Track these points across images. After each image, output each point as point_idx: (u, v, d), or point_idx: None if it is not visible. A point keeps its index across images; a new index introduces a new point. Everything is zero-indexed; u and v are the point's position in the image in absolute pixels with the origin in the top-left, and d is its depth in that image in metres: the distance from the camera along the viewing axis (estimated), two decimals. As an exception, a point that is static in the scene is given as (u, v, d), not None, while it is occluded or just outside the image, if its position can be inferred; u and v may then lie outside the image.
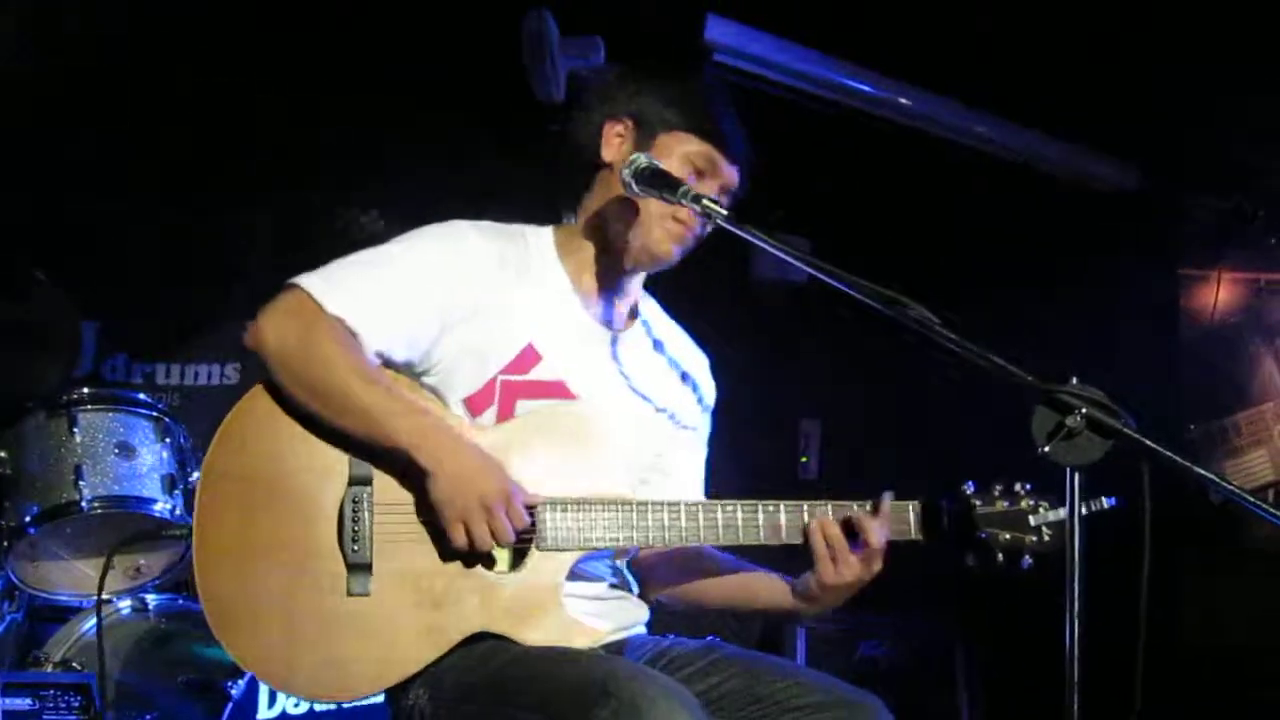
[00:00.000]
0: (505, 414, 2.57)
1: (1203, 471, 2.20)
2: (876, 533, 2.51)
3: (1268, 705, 4.74)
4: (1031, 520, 2.55)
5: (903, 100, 5.23)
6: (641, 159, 2.57)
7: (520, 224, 2.76)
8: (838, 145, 5.48)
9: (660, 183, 2.54)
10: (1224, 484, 2.24)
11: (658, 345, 2.85)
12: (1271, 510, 2.21)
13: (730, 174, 2.67)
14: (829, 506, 2.56)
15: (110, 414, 4.05)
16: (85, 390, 4.07)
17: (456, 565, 2.47)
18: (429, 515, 2.46)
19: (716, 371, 2.96)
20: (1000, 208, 5.49)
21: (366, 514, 2.45)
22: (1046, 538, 2.54)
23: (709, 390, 2.93)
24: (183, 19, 4.89)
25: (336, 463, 2.47)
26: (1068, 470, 2.14)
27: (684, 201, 2.49)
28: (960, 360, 2.21)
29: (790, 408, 5.82)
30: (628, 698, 2.17)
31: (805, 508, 2.56)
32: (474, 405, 2.58)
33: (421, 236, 2.62)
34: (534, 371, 2.60)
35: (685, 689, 2.28)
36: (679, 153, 2.63)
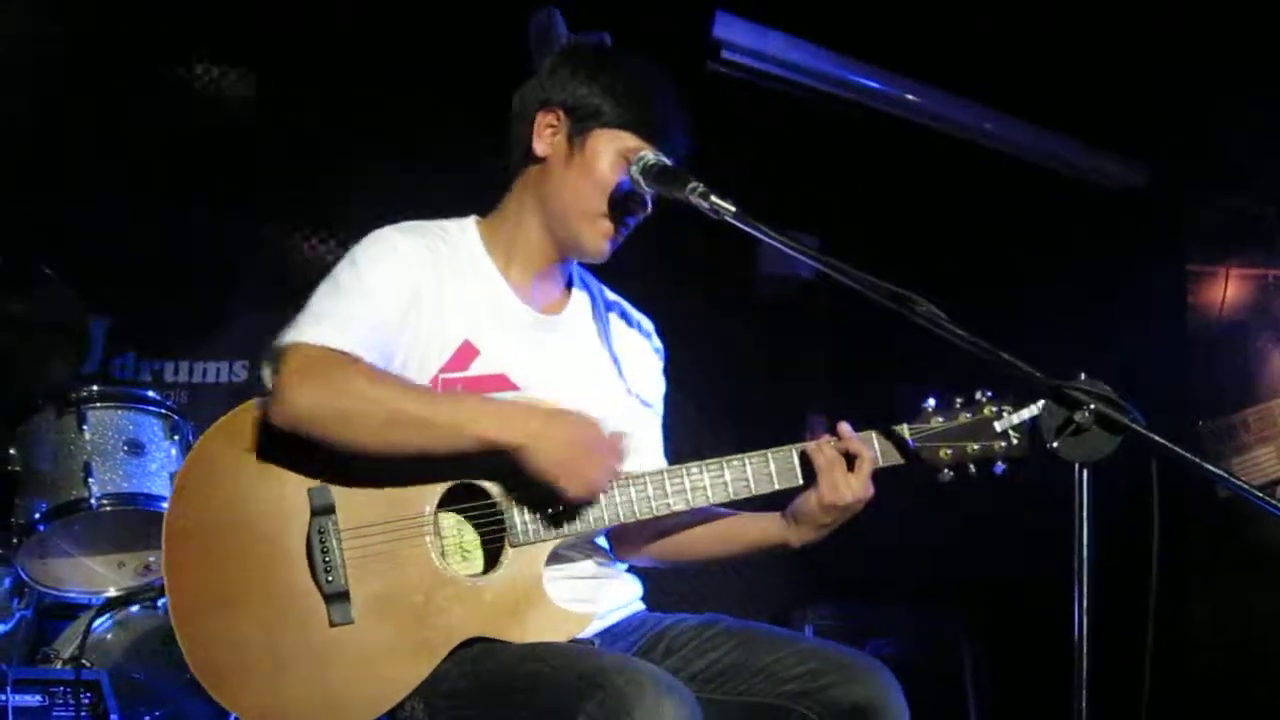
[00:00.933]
0: None
1: (1211, 467, 2.20)
2: (862, 447, 2.54)
3: (1275, 702, 4.74)
4: (997, 426, 2.53)
5: (910, 97, 5.23)
6: (649, 155, 2.57)
7: (441, 219, 2.73)
8: (844, 142, 5.48)
9: (668, 180, 2.54)
10: (1232, 480, 2.25)
11: (598, 318, 2.84)
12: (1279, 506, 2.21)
13: None
14: (793, 449, 2.57)
15: (119, 411, 4.05)
16: (94, 388, 4.08)
17: (434, 576, 2.45)
18: (401, 530, 2.45)
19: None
20: (1007, 205, 5.49)
21: (334, 542, 2.42)
22: (1015, 440, 2.52)
23: (658, 353, 2.92)
24: (184, 18, 4.90)
25: (295, 496, 2.43)
26: (1076, 467, 2.14)
27: (693, 198, 2.49)
28: (968, 356, 2.22)
29: (796, 403, 5.81)
30: (615, 689, 2.17)
31: (769, 453, 2.57)
32: None
33: (366, 253, 2.58)
34: (473, 367, 2.59)
35: (675, 679, 2.27)
36: (614, 149, 2.61)
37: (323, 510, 2.43)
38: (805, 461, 2.57)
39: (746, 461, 2.56)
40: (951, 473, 2.56)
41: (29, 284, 4.07)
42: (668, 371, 2.94)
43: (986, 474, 2.54)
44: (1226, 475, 2.26)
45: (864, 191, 5.73)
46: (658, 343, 2.93)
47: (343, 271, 2.57)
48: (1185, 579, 5.09)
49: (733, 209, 2.47)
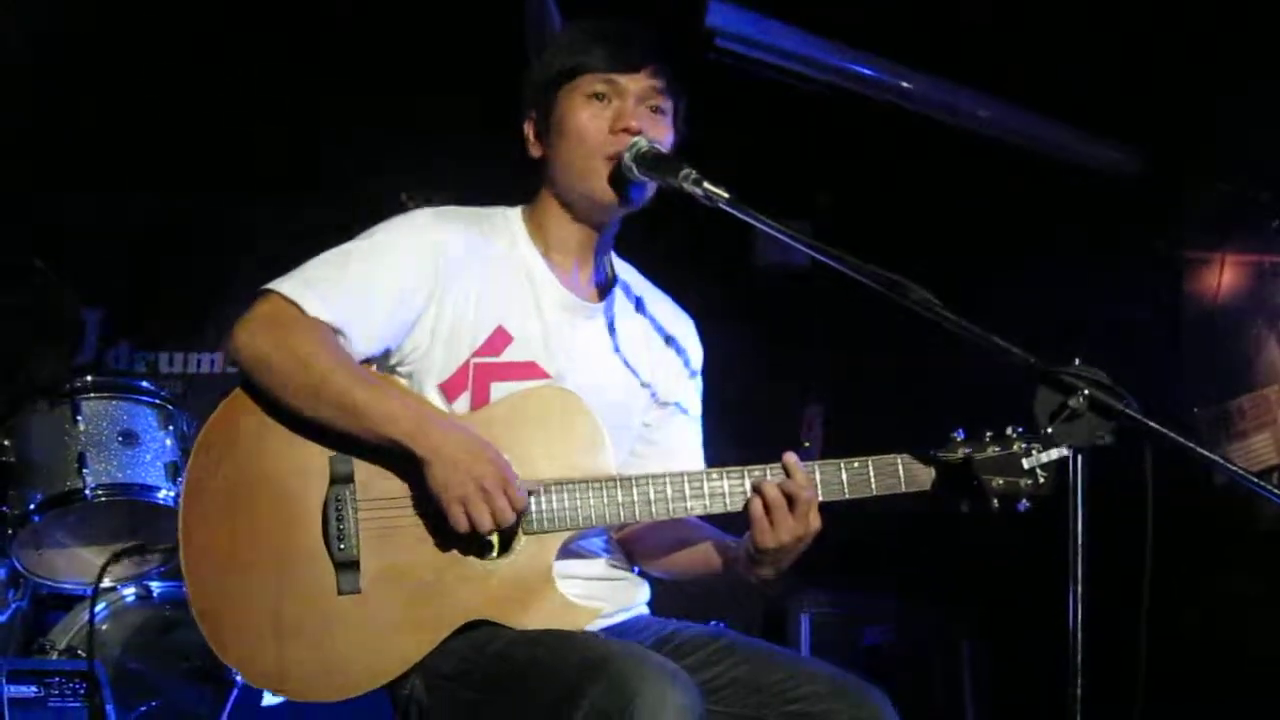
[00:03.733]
0: (480, 398, 2.56)
1: (1206, 453, 2.20)
2: (802, 491, 2.47)
3: (1272, 691, 4.74)
4: (1025, 463, 2.50)
5: (905, 84, 5.22)
6: (642, 143, 2.55)
7: (493, 206, 2.75)
8: (839, 129, 5.47)
9: (661, 166, 2.53)
10: (1228, 466, 2.24)
11: (639, 312, 2.83)
12: (1276, 492, 2.21)
13: (636, 81, 2.62)
14: (817, 466, 2.53)
15: (113, 402, 4.06)
16: (88, 378, 4.08)
17: (445, 555, 2.46)
18: (417, 507, 2.46)
19: (711, 347, 2.94)
20: (1002, 191, 5.49)
21: (350, 511, 2.43)
22: (1041, 480, 2.49)
23: (695, 354, 2.90)
24: (185, 14, 4.91)
25: (317, 462, 2.46)
26: (1070, 452, 2.13)
27: (686, 185, 2.48)
28: (963, 342, 2.21)
29: (793, 392, 5.82)
30: (619, 677, 2.16)
31: (768, 470, 2.52)
32: (448, 390, 2.57)
33: (387, 229, 2.60)
34: (506, 353, 2.59)
35: (677, 666, 2.27)
36: (574, 102, 2.62)
37: (341, 479, 2.45)
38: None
39: (767, 471, 2.53)
40: (973, 505, 2.54)
41: (23, 276, 4.06)
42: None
43: (1009, 510, 2.52)
44: (1222, 460, 2.25)
45: (859, 179, 5.72)
46: (695, 343, 2.91)
47: (357, 243, 2.58)
48: (1180, 566, 5.09)
49: (726, 195, 2.45)
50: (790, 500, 2.48)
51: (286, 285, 2.49)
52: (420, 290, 2.55)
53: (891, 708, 2.45)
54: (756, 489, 2.49)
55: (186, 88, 5.12)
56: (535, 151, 2.71)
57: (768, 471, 2.52)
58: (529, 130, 2.72)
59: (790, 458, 2.52)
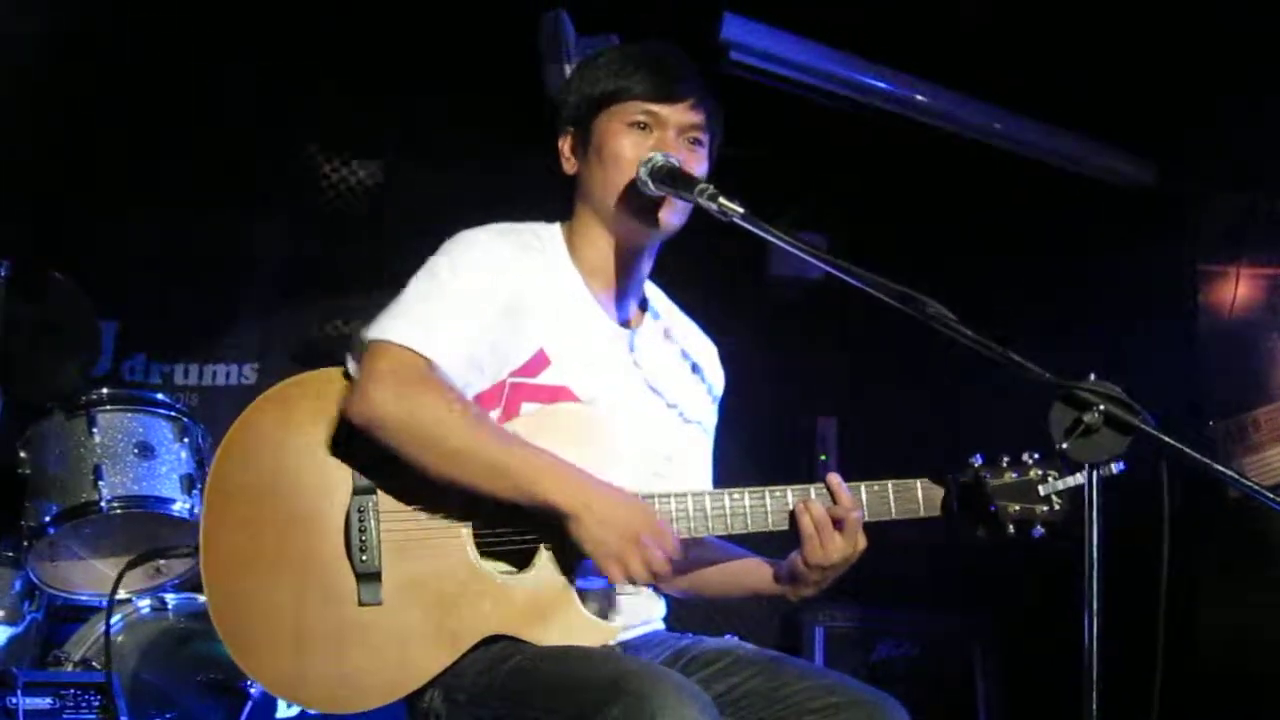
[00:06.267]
0: (510, 415, 2.57)
1: (1221, 468, 2.19)
2: (848, 511, 2.50)
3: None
4: (1041, 490, 2.52)
5: (920, 97, 5.22)
6: (658, 157, 2.57)
7: (528, 222, 2.75)
8: (855, 143, 5.47)
9: (677, 181, 2.54)
10: (1243, 481, 2.24)
11: (667, 336, 2.85)
12: (1291, 506, 2.20)
13: (678, 112, 2.65)
14: (810, 489, 2.54)
15: (129, 414, 4.07)
16: (104, 390, 4.09)
17: (467, 569, 2.47)
18: (439, 519, 2.47)
19: (725, 361, 2.95)
20: (1017, 204, 5.48)
21: (373, 522, 2.44)
22: (1057, 506, 2.51)
23: (717, 381, 2.93)
24: (189, 17, 4.92)
25: (339, 473, 2.46)
26: (1086, 467, 2.13)
27: (701, 200, 2.49)
28: (978, 356, 2.21)
29: (807, 405, 5.81)
30: (637, 695, 2.17)
31: (811, 488, 2.54)
32: (481, 404, 2.58)
33: (464, 256, 2.59)
34: (542, 376, 2.60)
35: (695, 685, 2.28)
36: (615, 127, 2.64)
37: (364, 490, 2.45)
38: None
39: (811, 490, 2.54)
40: (989, 531, 2.55)
41: (40, 288, 4.08)
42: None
43: (1024, 536, 2.52)
44: (1237, 476, 2.24)
45: (872, 192, 5.72)
46: (719, 369, 2.94)
47: (440, 273, 2.56)
48: (1196, 580, 5.08)
49: (741, 210, 2.46)
50: (837, 521, 2.50)
51: (393, 330, 2.46)
52: (498, 316, 2.56)
53: (906, 716, 2.46)
54: (806, 507, 2.50)
55: (203, 99, 5.14)
56: (569, 169, 2.73)
57: (811, 490, 2.54)
58: (564, 146, 2.74)
59: (834, 479, 2.54)
